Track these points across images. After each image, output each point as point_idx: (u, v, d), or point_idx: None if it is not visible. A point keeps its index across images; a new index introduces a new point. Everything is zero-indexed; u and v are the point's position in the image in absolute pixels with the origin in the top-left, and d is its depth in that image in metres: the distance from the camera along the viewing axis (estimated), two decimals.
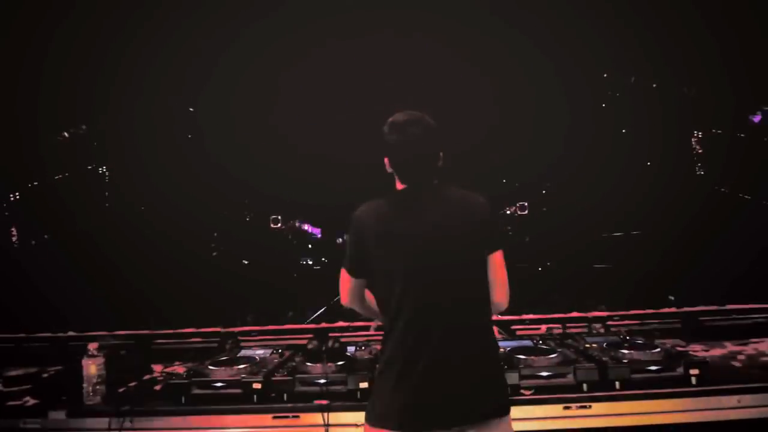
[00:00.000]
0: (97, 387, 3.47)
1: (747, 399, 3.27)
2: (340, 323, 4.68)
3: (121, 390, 3.61)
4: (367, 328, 4.36)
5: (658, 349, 3.60)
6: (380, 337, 2.80)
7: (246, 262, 9.49)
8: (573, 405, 3.31)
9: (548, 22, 8.63)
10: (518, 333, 4.53)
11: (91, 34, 7.94)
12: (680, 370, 3.41)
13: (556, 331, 4.41)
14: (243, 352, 4.00)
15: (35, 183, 8.50)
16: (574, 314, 4.75)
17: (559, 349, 3.73)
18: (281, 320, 5.51)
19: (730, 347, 4.16)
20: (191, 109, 10.11)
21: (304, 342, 4.19)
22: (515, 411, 3.04)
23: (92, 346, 3.51)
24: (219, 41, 9.13)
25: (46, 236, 8.49)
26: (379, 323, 3.11)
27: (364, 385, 3.37)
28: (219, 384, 3.46)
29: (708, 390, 3.32)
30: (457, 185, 2.87)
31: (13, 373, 3.87)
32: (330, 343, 3.89)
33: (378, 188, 2.90)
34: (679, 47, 7.80)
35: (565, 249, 8.80)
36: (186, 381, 3.48)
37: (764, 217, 7.25)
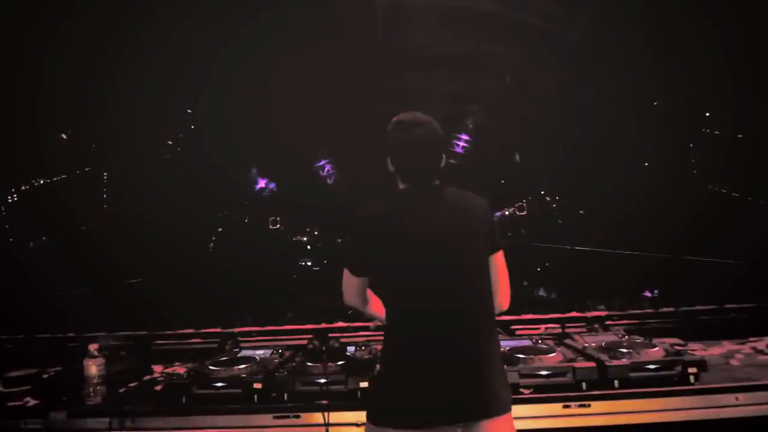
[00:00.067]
0: (98, 387, 3.48)
1: (745, 397, 3.28)
2: (340, 323, 4.70)
3: (121, 390, 3.62)
4: (366, 329, 4.37)
5: (657, 348, 3.61)
6: (380, 337, 2.81)
7: (246, 261, 9.49)
8: (572, 404, 3.32)
9: (551, 21, 8.63)
10: (518, 333, 4.55)
11: (91, 34, 7.94)
12: (679, 368, 3.42)
13: (555, 331, 4.42)
14: (243, 353, 4.02)
15: (34, 182, 8.51)
16: (573, 314, 4.77)
17: (559, 349, 3.74)
18: (280, 321, 5.51)
19: (728, 346, 4.18)
20: (189, 111, 10.10)
21: (304, 342, 4.20)
22: (515, 409, 3.05)
23: (93, 347, 3.52)
24: (219, 41, 9.13)
25: (45, 237, 8.50)
26: (378, 323, 3.12)
27: (364, 384, 3.38)
28: (219, 384, 3.47)
29: (706, 388, 3.34)
30: (457, 186, 2.89)
31: (13, 374, 3.88)
32: (330, 343, 3.90)
33: (378, 188, 2.92)
34: (680, 47, 7.80)
35: (566, 249, 8.82)
36: (187, 381, 3.49)
37: (764, 217, 7.26)
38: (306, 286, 9.29)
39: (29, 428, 3.36)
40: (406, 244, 2.68)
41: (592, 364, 3.46)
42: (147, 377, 3.98)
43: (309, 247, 10.34)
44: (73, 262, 8.06)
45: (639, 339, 3.88)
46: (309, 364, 3.61)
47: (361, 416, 2.68)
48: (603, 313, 4.64)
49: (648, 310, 4.68)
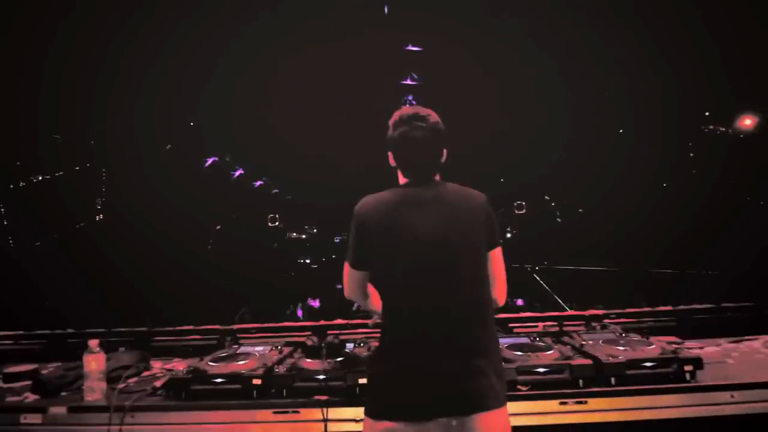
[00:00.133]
0: (98, 383, 3.49)
1: (740, 395, 3.30)
2: (339, 321, 4.71)
3: (121, 386, 3.63)
4: (365, 326, 4.38)
5: (654, 346, 3.63)
6: (378, 334, 2.83)
7: (245, 259, 9.51)
8: (569, 400, 3.33)
9: (550, 22, 8.67)
10: (515, 330, 4.56)
11: (91, 34, 7.96)
12: (675, 366, 3.44)
13: (552, 329, 4.43)
14: (242, 349, 4.03)
15: (33, 179, 8.52)
16: (571, 312, 4.78)
17: (556, 346, 3.76)
18: (279, 318, 5.53)
19: (724, 344, 4.20)
20: (191, 124, 10.12)
21: (302, 339, 4.21)
22: (512, 406, 3.08)
23: (93, 343, 3.54)
24: (219, 41, 9.15)
25: (45, 236, 8.51)
26: (377, 320, 3.13)
27: (362, 380, 3.39)
28: (219, 380, 3.48)
29: (702, 386, 3.35)
30: (459, 182, 2.91)
31: (13, 369, 3.89)
32: (329, 340, 3.92)
33: (378, 188, 2.94)
34: (679, 47, 7.83)
35: (566, 249, 8.83)
36: (186, 377, 3.51)
37: (764, 217, 7.28)
38: (305, 284, 9.32)
39: (29, 423, 3.37)
40: (404, 238, 2.70)
41: (589, 361, 3.48)
42: (146, 373, 4.00)
43: (308, 244, 10.37)
44: (72, 262, 8.08)
45: (636, 337, 3.89)
46: (308, 360, 3.62)
47: (359, 412, 2.70)
48: (601, 312, 4.65)
49: (645, 309, 4.69)
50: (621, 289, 7.41)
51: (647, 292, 6.77)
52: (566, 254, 8.81)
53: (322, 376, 3.47)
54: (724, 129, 8.12)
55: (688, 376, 3.40)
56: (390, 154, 2.93)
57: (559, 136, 9.17)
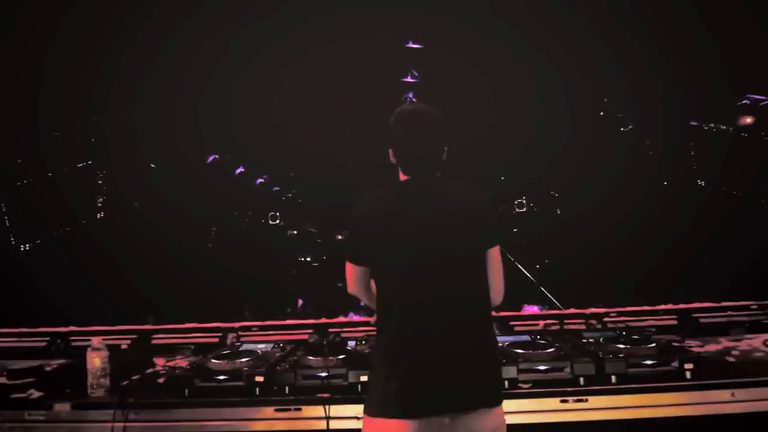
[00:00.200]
0: (101, 380, 3.51)
1: (740, 393, 3.31)
2: (340, 319, 4.73)
3: (124, 383, 3.65)
4: (367, 324, 4.40)
5: (654, 345, 3.65)
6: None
7: (246, 257, 9.53)
8: (570, 398, 3.35)
9: (549, 22, 8.68)
10: (516, 329, 4.58)
11: (91, 34, 7.97)
12: (675, 364, 3.46)
13: (553, 327, 4.45)
14: (245, 346, 4.05)
15: (32, 179, 8.53)
16: (572, 310, 4.80)
17: (557, 344, 3.78)
18: (280, 317, 5.56)
19: (724, 343, 4.21)
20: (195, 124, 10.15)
21: (304, 337, 4.23)
22: (513, 404, 3.11)
23: (96, 340, 3.56)
24: (219, 41, 9.16)
25: (45, 235, 8.51)
26: None
27: (364, 378, 3.41)
28: (222, 377, 3.50)
29: (702, 384, 3.37)
30: (459, 180, 2.91)
31: (17, 366, 3.91)
32: (331, 338, 3.93)
33: (380, 186, 2.95)
34: (679, 47, 7.84)
35: (566, 249, 8.85)
36: (189, 374, 3.53)
37: (764, 217, 7.30)
38: (306, 281, 9.33)
39: (33, 419, 3.39)
40: (400, 235, 2.70)
41: (589, 359, 3.50)
42: (149, 370, 4.01)
43: (308, 242, 10.38)
44: (73, 262, 8.09)
45: (637, 335, 3.91)
46: (310, 357, 3.64)
47: (361, 409, 2.71)
48: (601, 310, 4.66)
49: (646, 308, 4.71)
50: (621, 288, 7.42)
51: (647, 291, 6.78)
52: (567, 254, 8.83)
53: (324, 374, 3.49)
54: (725, 127, 8.13)
55: (688, 374, 3.42)
56: (390, 150, 2.93)
57: (559, 136, 9.18)
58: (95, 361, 3.50)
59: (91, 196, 9.37)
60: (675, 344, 3.77)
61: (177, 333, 4.76)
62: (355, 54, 9.53)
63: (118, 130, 9.33)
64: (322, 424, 3.31)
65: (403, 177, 2.91)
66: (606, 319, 4.57)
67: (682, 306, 4.67)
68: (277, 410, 3.38)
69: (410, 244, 2.69)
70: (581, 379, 3.43)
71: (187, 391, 3.48)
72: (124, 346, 4.35)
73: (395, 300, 2.71)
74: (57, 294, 7.43)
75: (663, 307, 4.67)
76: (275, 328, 4.70)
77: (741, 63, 7.44)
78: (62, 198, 8.62)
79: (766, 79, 7.36)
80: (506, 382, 3.36)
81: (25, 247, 8.35)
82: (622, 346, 3.63)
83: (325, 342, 3.83)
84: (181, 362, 4.09)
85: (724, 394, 3.32)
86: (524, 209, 9.30)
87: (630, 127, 8.98)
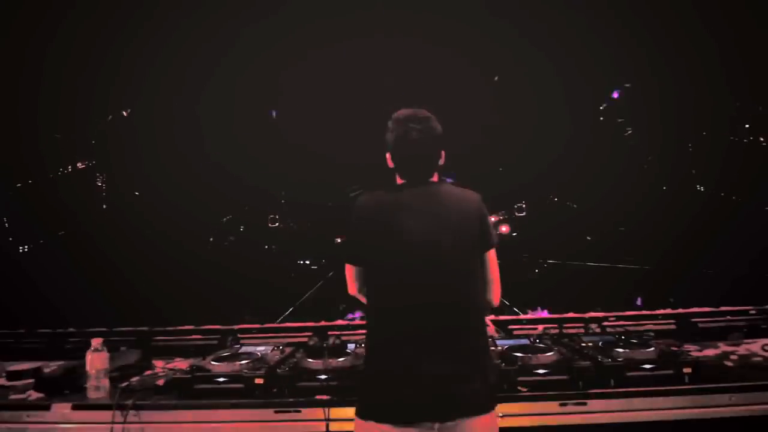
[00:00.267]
0: (101, 381, 3.52)
1: (738, 398, 3.32)
2: (339, 322, 4.73)
3: (123, 384, 3.65)
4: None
5: (653, 349, 3.65)
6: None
7: (246, 259, 9.53)
8: (569, 402, 3.36)
9: (548, 22, 8.69)
10: (515, 333, 4.58)
11: (91, 34, 7.97)
12: (674, 368, 3.46)
13: (552, 331, 4.45)
14: (244, 348, 4.05)
15: (32, 181, 8.53)
16: (571, 314, 4.81)
17: (556, 348, 3.78)
18: (279, 319, 5.56)
19: (723, 347, 4.22)
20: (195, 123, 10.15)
21: (303, 340, 4.24)
22: (512, 407, 3.12)
23: (96, 341, 3.56)
24: (219, 41, 9.17)
25: (45, 236, 8.51)
26: None
27: None
28: (221, 379, 3.51)
29: (701, 388, 3.37)
30: (454, 183, 2.92)
31: (16, 367, 3.91)
32: (331, 340, 3.94)
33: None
34: (678, 49, 7.84)
35: (566, 249, 8.85)
36: (189, 376, 3.53)
37: (763, 218, 7.30)
38: (305, 284, 9.33)
39: (33, 421, 3.40)
40: (393, 238, 2.71)
41: (588, 362, 3.50)
42: (148, 372, 4.02)
43: (308, 245, 10.38)
44: (73, 262, 8.09)
45: (635, 339, 3.92)
46: (310, 360, 3.65)
47: None
48: (600, 314, 4.67)
49: (644, 312, 4.72)
50: (621, 289, 7.42)
51: (647, 291, 6.80)
52: (567, 254, 8.83)
53: (323, 376, 3.49)
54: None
55: (686, 378, 3.43)
56: (388, 155, 2.94)
57: (559, 137, 9.19)
58: (95, 362, 3.51)
59: (91, 196, 9.37)
60: (674, 348, 3.78)
61: (175, 335, 4.77)
62: (356, 54, 9.53)
63: (118, 130, 9.34)
64: (322, 427, 3.31)
65: (400, 181, 2.92)
66: (605, 323, 4.57)
67: (680, 311, 4.68)
68: (276, 412, 3.38)
69: (400, 247, 2.70)
70: (580, 383, 3.43)
71: (186, 392, 3.48)
72: (123, 348, 4.35)
73: (383, 303, 2.72)
74: (57, 294, 7.43)
75: (662, 311, 4.68)
76: (274, 330, 4.70)
77: (740, 63, 7.45)
78: (62, 198, 8.62)
79: (765, 79, 7.37)
80: (505, 386, 3.37)
81: (24, 248, 8.36)
82: (621, 350, 3.64)
83: (325, 345, 3.83)
84: (181, 364, 4.10)
85: (723, 398, 3.33)
86: (524, 213, 9.30)
87: (629, 131, 8.98)
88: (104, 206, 9.49)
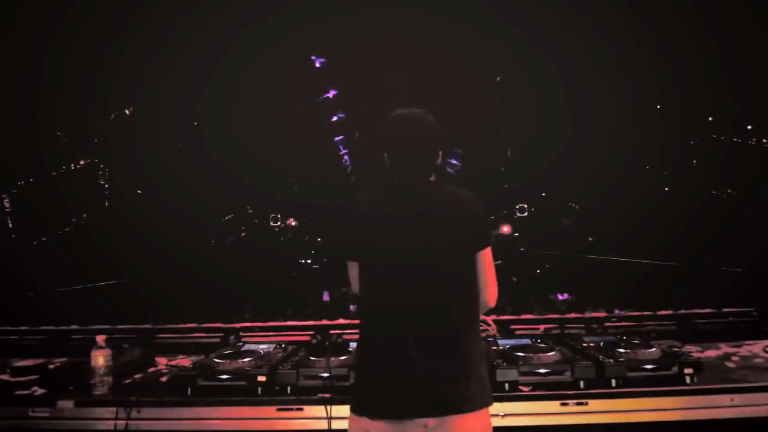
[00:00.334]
0: (105, 378, 3.53)
1: (740, 398, 3.33)
2: (341, 321, 4.74)
3: (127, 381, 3.66)
4: None
5: (654, 349, 3.66)
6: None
7: (246, 259, 9.53)
8: (570, 401, 3.36)
9: (549, 23, 8.70)
10: (517, 333, 4.59)
11: (91, 34, 7.98)
12: (675, 369, 3.47)
13: (554, 331, 4.46)
14: (247, 347, 4.06)
15: (32, 180, 8.54)
16: (572, 315, 4.82)
17: (557, 348, 3.79)
18: (280, 319, 5.56)
19: (724, 348, 4.23)
20: (195, 123, 10.15)
21: (305, 338, 4.25)
22: (513, 406, 3.13)
23: (100, 338, 3.58)
24: (219, 41, 9.17)
25: (45, 235, 8.52)
26: None
27: None
28: (224, 376, 3.52)
29: (702, 389, 3.38)
30: (450, 182, 2.91)
31: (21, 363, 3.93)
32: (333, 339, 3.95)
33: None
34: (678, 49, 7.86)
35: (566, 248, 8.86)
36: (192, 373, 3.54)
37: (763, 218, 7.31)
38: (306, 284, 9.33)
39: (37, 416, 3.41)
40: (385, 236, 2.71)
41: (590, 363, 3.51)
42: (152, 369, 4.03)
43: (308, 244, 10.38)
44: (74, 261, 8.09)
45: (637, 340, 3.92)
46: (312, 358, 3.66)
47: None
48: (602, 315, 4.69)
49: (646, 313, 4.73)
50: (621, 289, 7.42)
51: (647, 291, 6.79)
52: (567, 253, 8.84)
53: (325, 374, 3.51)
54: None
55: (688, 378, 3.44)
56: (384, 155, 2.93)
57: (559, 137, 9.20)
58: (99, 359, 3.52)
59: (91, 196, 9.37)
60: (675, 349, 3.79)
61: (178, 333, 4.78)
62: (356, 54, 9.54)
63: (118, 130, 9.35)
64: (324, 424, 3.32)
65: (395, 181, 2.91)
66: (606, 323, 4.58)
67: (682, 311, 4.69)
68: (278, 410, 3.40)
69: (392, 246, 2.70)
70: (581, 383, 3.44)
71: (189, 389, 3.49)
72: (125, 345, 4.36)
73: (375, 302, 2.73)
74: (57, 294, 7.43)
75: (663, 312, 4.69)
76: (276, 329, 4.72)
77: (740, 64, 7.46)
78: (62, 198, 8.62)
79: (765, 79, 7.38)
80: (506, 385, 3.39)
81: (24, 248, 8.35)
82: (622, 350, 3.65)
83: (327, 343, 3.84)
84: (184, 362, 4.11)
85: (724, 399, 3.34)
86: (525, 213, 9.31)
87: (630, 127, 8.99)
88: (104, 205, 9.49)
